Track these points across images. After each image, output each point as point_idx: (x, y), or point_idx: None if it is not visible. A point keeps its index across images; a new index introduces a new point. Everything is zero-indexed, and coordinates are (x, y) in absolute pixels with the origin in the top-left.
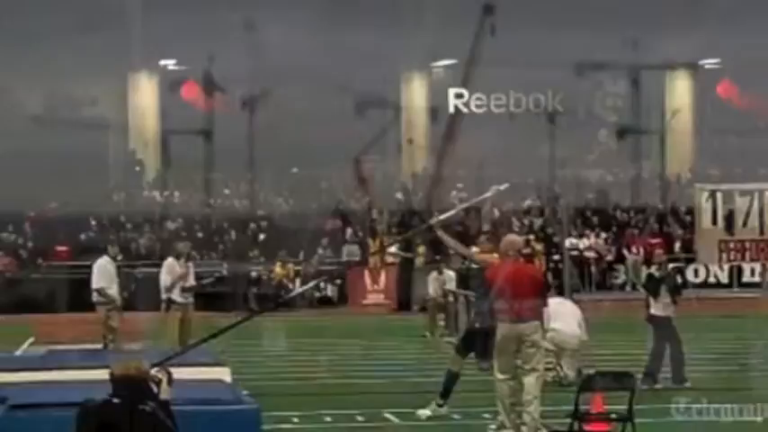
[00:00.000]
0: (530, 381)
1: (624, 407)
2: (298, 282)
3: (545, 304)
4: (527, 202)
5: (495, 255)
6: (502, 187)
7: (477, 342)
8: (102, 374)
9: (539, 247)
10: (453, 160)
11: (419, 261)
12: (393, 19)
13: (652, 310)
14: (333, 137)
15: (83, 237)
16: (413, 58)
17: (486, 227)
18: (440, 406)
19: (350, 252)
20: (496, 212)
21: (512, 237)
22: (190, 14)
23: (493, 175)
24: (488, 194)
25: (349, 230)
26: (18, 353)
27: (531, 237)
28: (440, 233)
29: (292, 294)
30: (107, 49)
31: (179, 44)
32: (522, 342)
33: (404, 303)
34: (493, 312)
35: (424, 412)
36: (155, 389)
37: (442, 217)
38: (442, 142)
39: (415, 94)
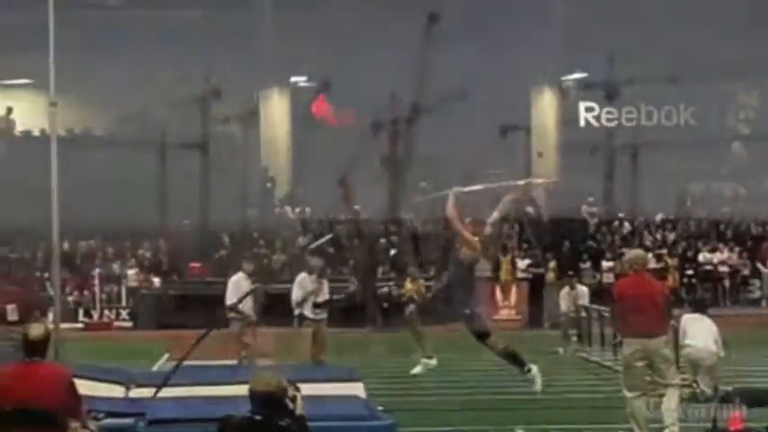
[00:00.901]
0: (667, 396)
1: (764, 424)
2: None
3: (672, 319)
4: (659, 216)
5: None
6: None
7: None
8: (238, 390)
9: (672, 261)
10: (583, 173)
11: (550, 276)
12: (524, 33)
13: None
14: (463, 151)
15: (216, 254)
16: (543, 72)
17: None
18: None
19: (480, 267)
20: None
21: (636, 251)
22: (320, 31)
23: (625, 188)
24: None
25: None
26: (155, 368)
27: (664, 251)
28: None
29: None
30: (238, 66)
31: (310, 61)
32: (652, 358)
33: (535, 319)
34: (621, 328)
35: None
36: (290, 405)
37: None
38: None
39: (546, 107)
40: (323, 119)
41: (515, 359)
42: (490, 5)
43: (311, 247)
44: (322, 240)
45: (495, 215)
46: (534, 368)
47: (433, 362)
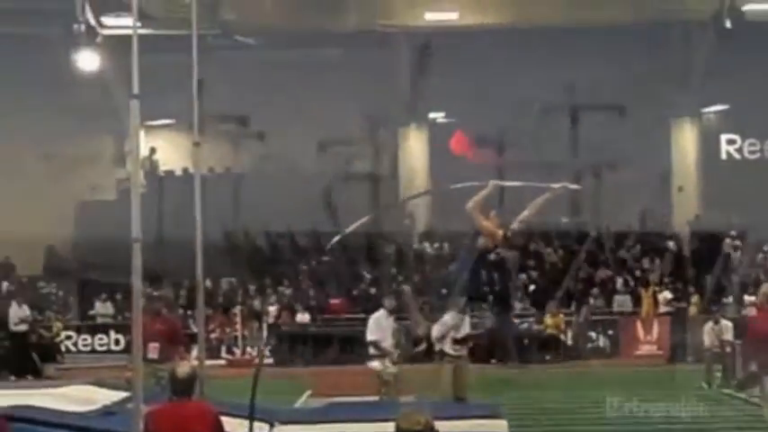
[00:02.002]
0: None
1: None
2: (569, 333)
3: None
4: None
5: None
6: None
7: None
8: (383, 427)
9: None
10: (726, 207)
11: (692, 310)
12: (664, 63)
13: None
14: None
15: (355, 290)
16: (683, 103)
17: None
18: None
19: (621, 302)
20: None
21: None
22: (458, 68)
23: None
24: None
25: (619, 280)
26: (297, 405)
27: None
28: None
29: None
30: (377, 103)
31: (448, 97)
32: None
33: (677, 354)
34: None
35: None
36: None
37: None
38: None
39: (686, 140)
40: (461, 154)
41: None
42: (629, 36)
43: (333, 242)
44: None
45: (526, 213)
46: None
47: None
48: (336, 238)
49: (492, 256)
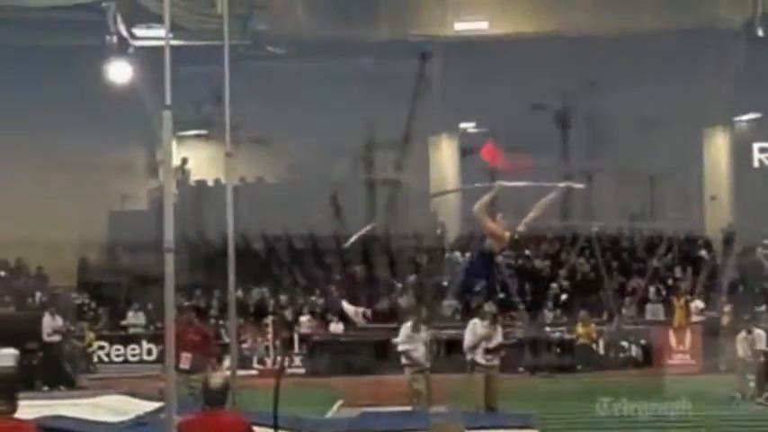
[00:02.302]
0: None
1: None
2: (601, 343)
3: None
4: None
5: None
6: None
7: None
8: None
9: None
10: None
11: (725, 320)
12: (695, 72)
13: None
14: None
15: (385, 301)
16: (715, 112)
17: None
18: None
19: (653, 311)
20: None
21: None
22: (489, 78)
23: None
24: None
25: (652, 289)
26: (329, 415)
27: None
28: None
29: None
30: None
31: (479, 107)
32: None
33: (710, 364)
34: None
35: None
36: None
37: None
38: None
39: (718, 148)
40: (492, 164)
41: None
42: (661, 46)
43: (350, 241)
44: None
45: (532, 215)
46: None
47: None
48: (352, 239)
49: (499, 258)
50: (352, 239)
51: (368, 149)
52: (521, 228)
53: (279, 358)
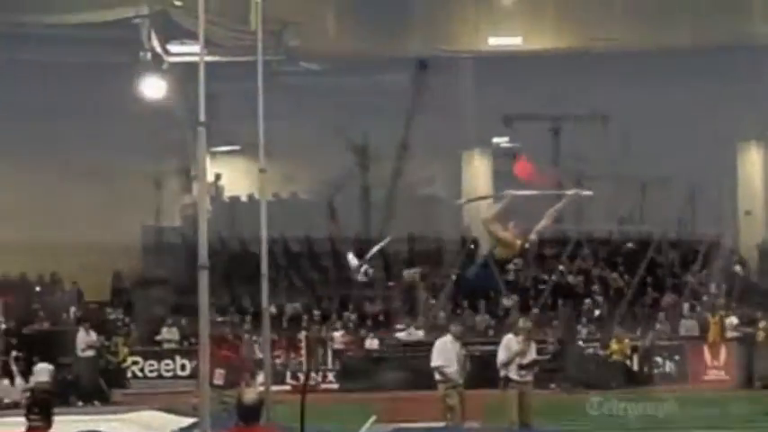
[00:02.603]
0: None
1: None
2: (635, 358)
3: None
4: None
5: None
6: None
7: None
8: None
9: None
10: None
11: (760, 335)
12: (729, 87)
13: None
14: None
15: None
16: (750, 126)
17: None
18: None
19: (688, 327)
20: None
21: None
22: (521, 91)
23: None
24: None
25: (686, 305)
26: (362, 431)
27: None
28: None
29: None
30: (441, 127)
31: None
32: None
33: (745, 380)
34: None
35: None
36: None
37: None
38: None
39: (753, 163)
40: (525, 179)
41: None
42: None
43: (372, 252)
44: (381, 244)
45: (543, 223)
46: None
47: None
48: (376, 248)
49: (511, 266)
50: (373, 251)
51: (400, 162)
52: (533, 236)
53: (307, 374)
